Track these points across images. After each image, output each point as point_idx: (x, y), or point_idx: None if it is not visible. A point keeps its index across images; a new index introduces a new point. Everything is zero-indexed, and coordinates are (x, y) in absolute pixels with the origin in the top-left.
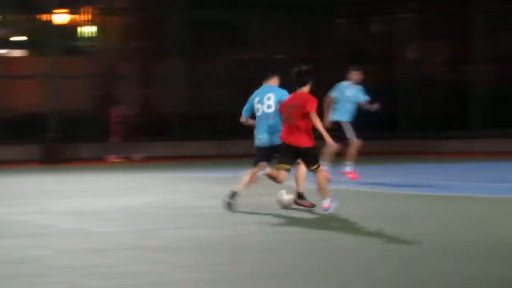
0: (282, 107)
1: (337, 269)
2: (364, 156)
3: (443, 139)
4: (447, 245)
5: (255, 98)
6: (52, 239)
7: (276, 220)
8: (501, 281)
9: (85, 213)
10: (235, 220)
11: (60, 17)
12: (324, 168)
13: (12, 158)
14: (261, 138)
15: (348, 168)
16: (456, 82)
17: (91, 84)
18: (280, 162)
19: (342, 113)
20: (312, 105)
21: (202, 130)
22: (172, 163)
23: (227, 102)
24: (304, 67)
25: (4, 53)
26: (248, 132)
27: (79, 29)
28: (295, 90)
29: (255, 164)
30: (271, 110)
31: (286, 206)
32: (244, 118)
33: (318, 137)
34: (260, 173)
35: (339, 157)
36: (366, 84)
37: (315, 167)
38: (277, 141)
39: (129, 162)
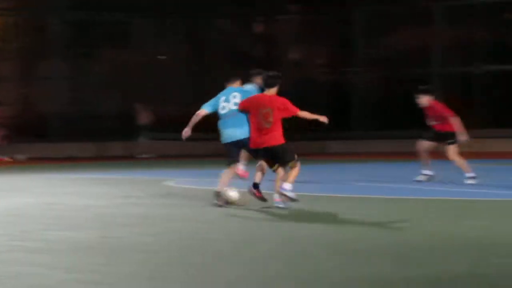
0: (250, 107)
1: (216, 271)
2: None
3: (325, 140)
4: (331, 244)
5: (221, 97)
6: None
7: (158, 221)
8: (379, 281)
9: None
10: (117, 222)
11: None
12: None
13: None
14: (229, 132)
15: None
16: (338, 84)
17: None
18: (271, 166)
19: None
20: (293, 107)
21: (82, 131)
22: (54, 164)
23: (107, 103)
24: (273, 72)
25: None
26: (127, 133)
27: None
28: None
29: (229, 163)
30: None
31: (234, 202)
32: (204, 111)
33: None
34: (240, 168)
35: None
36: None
37: (294, 161)
38: (243, 135)
39: (13, 163)
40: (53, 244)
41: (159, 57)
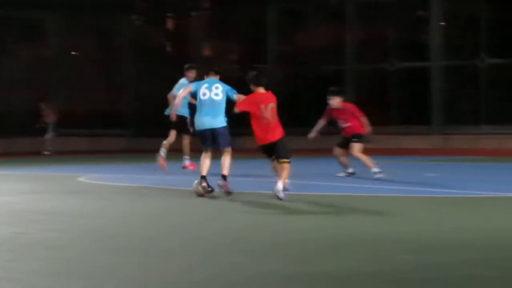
0: (252, 106)
1: (119, 267)
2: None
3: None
4: (239, 240)
5: (203, 83)
6: None
7: (66, 217)
8: (281, 277)
9: None
10: (27, 218)
11: None
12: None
13: None
14: (204, 120)
15: (187, 161)
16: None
17: None
18: (280, 159)
19: (185, 109)
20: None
21: None
22: None
23: (19, 100)
24: (259, 71)
25: None
26: (35, 129)
27: None
28: None
29: (205, 149)
30: (219, 98)
31: (202, 194)
32: (190, 88)
33: None
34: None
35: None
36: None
37: (287, 159)
38: (216, 125)
39: None
40: None
41: (73, 53)
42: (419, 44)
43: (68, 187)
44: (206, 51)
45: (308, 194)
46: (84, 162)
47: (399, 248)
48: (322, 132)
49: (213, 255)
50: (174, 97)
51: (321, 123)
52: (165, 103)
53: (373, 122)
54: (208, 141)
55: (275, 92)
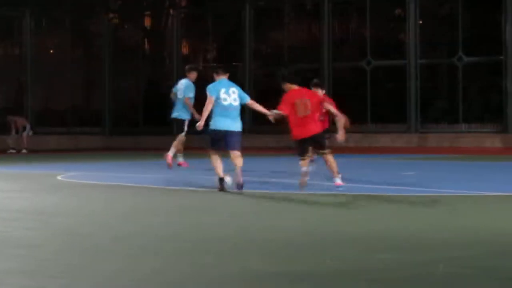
0: (291, 102)
1: (94, 266)
2: (137, 152)
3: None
4: (214, 239)
5: (220, 87)
6: None
7: (41, 215)
8: (251, 277)
9: None
10: (1, 216)
11: None
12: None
13: None
14: (226, 122)
15: (181, 159)
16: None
17: None
18: (304, 153)
19: (184, 112)
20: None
21: None
22: None
23: None
24: (287, 70)
25: None
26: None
27: None
28: None
29: (214, 150)
30: (237, 103)
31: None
32: (213, 98)
33: None
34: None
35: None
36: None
37: (326, 150)
38: (237, 129)
39: None
40: None
41: (49, 51)
42: (396, 43)
43: (45, 186)
44: (183, 49)
45: (288, 193)
46: (62, 160)
47: (379, 247)
48: None
49: (189, 253)
50: (175, 95)
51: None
52: (143, 101)
53: (350, 121)
54: (220, 142)
55: (251, 90)
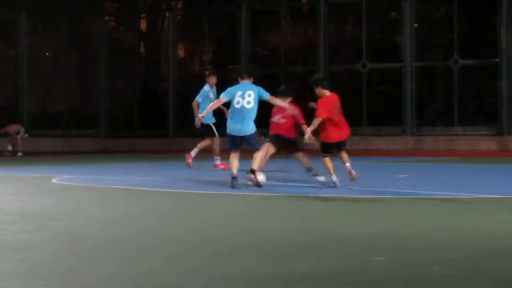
0: (329, 108)
1: (92, 267)
2: (133, 155)
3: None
4: (207, 241)
5: (237, 91)
6: None
7: (40, 220)
8: (247, 278)
9: None
10: None
11: None
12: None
13: None
14: (236, 127)
15: (218, 161)
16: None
17: None
18: (335, 152)
19: (210, 117)
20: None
21: None
22: None
23: None
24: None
25: None
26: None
27: None
28: None
29: (232, 151)
30: (250, 105)
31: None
32: (223, 99)
33: None
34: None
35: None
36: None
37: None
38: (246, 132)
39: None
40: None
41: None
42: (392, 45)
43: (41, 188)
44: (179, 52)
45: (278, 195)
46: (57, 163)
47: (374, 249)
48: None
49: (183, 255)
50: (198, 104)
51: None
52: (139, 104)
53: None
54: (236, 146)
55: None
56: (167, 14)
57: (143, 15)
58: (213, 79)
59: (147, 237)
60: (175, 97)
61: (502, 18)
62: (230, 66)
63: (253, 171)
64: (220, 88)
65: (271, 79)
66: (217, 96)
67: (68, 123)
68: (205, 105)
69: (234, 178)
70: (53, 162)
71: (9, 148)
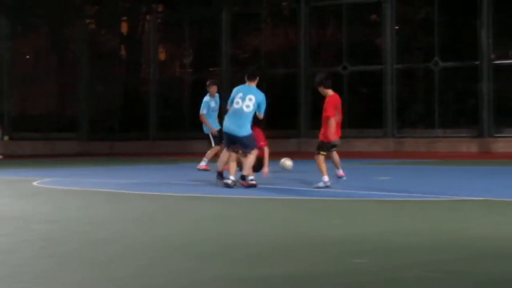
0: (336, 107)
1: (65, 272)
2: (114, 157)
3: (193, 140)
4: (189, 244)
5: (239, 92)
6: None
7: (19, 223)
8: (233, 280)
9: None
10: None
11: None
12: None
13: None
14: (231, 127)
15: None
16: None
17: None
18: (325, 151)
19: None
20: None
21: None
22: None
23: None
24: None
25: None
26: None
27: None
28: None
29: (226, 147)
30: (249, 110)
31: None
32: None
33: None
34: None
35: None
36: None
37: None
38: (241, 133)
39: None
40: None
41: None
42: (373, 48)
43: (21, 192)
44: (160, 55)
45: (260, 198)
46: (38, 166)
47: (355, 251)
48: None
49: (161, 260)
50: (203, 116)
51: None
52: (120, 107)
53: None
54: (231, 142)
55: (227, 96)
56: (147, 17)
57: (124, 18)
58: (213, 89)
59: (128, 241)
60: (156, 99)
61: (482, 20)
62: (210, 69)
63: (243, 177)
64: (203, 90)
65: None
66: (220, 105)
67: (49, 126)
68: (208, 115)
69: (219, 174)
70: (34, 165)
71: None
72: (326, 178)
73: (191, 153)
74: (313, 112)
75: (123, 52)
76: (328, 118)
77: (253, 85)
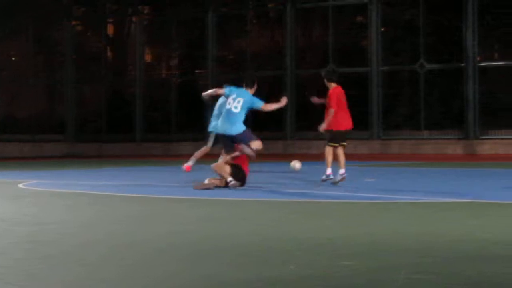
0: (339, 98)
1: (50, 274)
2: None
3: (180, 142)
4: (175, 246)
5: (233, 93)
6: None
7: (4, 225)
8: (219, 283)
9: None
10: None
11: None
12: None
13: None
14: (224, 126)
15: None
16: (190, 85)
17: None
18: (340, 142)
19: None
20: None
21: None
22: None
23: None
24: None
25: None
26: None
27: None
28: None
29: (226, 151)
30: (237, 110)
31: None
32: (223, 91)
33: None
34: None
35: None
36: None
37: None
38: (233, 131)
39: None
40: None
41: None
42: (358, 50)
43: (7, 194)
44: (146, 57)
45: (247, 200)
46: (25, 168)
47: (339, 253)
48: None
49: (148, 261)
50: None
51: None
52: (107, 108)
53: (312, 127)
54: (228, 144)
55: (215, 97)
56: (133, 18)
57: (110, 20)
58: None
59: (114, 243)
60: (142, 101)
61: (468, 23)
62: (197, 71)
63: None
64: (190, 91)
65: (238, 84)
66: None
67: (36, 127)
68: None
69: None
70: (20, 167)
71: None
72: (329, 170)
73: (177, 155)
74: (299, 114)
75: (109, 54)
76: (329, 109)
77: (250, 92)
